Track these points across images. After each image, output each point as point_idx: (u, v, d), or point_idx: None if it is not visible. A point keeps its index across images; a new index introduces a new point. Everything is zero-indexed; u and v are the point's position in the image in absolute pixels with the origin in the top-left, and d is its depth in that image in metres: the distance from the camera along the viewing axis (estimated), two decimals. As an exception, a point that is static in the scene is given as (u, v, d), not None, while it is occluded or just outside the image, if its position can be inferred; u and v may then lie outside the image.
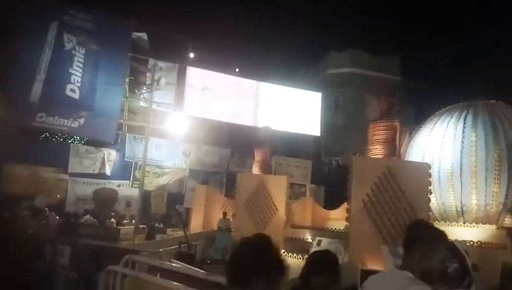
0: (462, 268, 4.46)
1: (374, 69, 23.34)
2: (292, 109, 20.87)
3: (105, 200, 15.46)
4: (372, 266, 6.90)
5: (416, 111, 21.05)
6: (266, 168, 12.92)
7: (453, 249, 4.76)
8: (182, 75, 18.74)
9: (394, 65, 24.27)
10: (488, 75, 19.45)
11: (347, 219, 8.27)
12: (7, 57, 15.69)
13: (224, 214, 12.68)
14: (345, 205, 9.43)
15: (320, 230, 11.80)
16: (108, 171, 15.94)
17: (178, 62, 18.76)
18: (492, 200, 9.96)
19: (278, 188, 11.28)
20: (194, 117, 18.16)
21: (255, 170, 12.98)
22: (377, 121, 9.65)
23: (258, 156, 13.15)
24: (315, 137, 21.95)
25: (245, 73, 21.38)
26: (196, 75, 19.33)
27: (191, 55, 20.41)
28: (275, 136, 14.61)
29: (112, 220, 13.95)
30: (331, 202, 14.55)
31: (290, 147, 20.13)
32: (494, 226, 9.47)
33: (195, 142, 17.79)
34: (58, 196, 15.12)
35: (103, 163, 15.87)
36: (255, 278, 1.62)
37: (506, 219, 9.98)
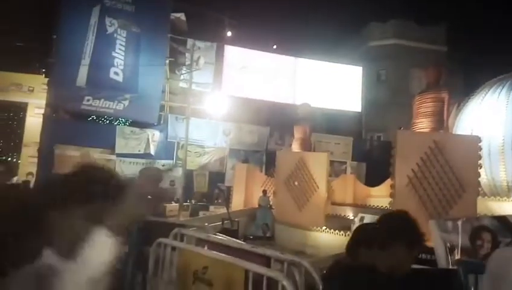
0: (517, 244, 4.27)
1: (419, 40, 22.17)
2: (332, 84, 20.43)
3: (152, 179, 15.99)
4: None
5: (465, 82, 19.98)
6: (306, 146, 12.84)
7: (506, 223, 4.56)
8: (220, 54, 18.78)
9: (440, 35, 22.95)
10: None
11: (391, 195, 8.10)
12: (53, 42, 16.39)
13: (265, 191, 12.80)
14: (387, 182, 9.23)
15: (361, 207, 11.68)
16: (152, 151, 16.45)
17: (216, 41, 18.77)
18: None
19: (318, 165, 11.20)
20: (233, 96, 18.23)
21: (295, 147, 12.93)
22: (424, 93, 9.25)
23: (297, 133, 13.07)
24: (356, 113, 21.45)
25: (283, 49, 21.06)
26: (234, 54, 19.31)
27: (229, 33, 20.35)
28: (314, 113, 14.43)
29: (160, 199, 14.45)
30: (373, 179, 14.31)
31: (330, 124, 19.82)
32: (548, 202, 8.95)
33: (234, 121, 17.91)
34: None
35: (148, 143, 16.37)
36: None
37: None
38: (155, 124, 16.98)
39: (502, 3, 23.34)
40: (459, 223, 4.36)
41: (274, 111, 18.76)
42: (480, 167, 8.15)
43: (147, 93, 16.37)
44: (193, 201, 15.89)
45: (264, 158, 17.91)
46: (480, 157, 8.05)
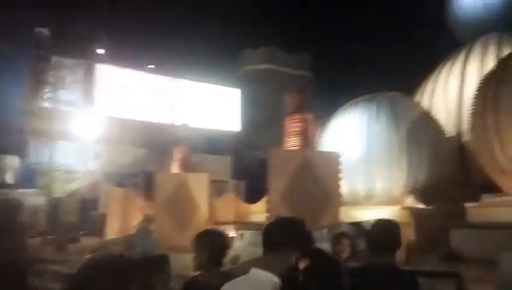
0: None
1: (287, 65, 24.27)
2: (211, 105, 20.81)
3: (6, 212, 13.95)
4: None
5: (328, 104, 22.31)
6: (186, 167, 12.72)
7: (361, 229, 5.16)
8: (91, 72, 17.61)
9: (306, 62, 25.46)
10: (391, 68, 21.30)
11: (267, 210, 8.48)
12: None
13: (144, 216, 12.20)
14: (265, 198, 9.67)
15: (242, 224, 11.97)
16: (10, 179, 14.41)
17: (86, 59, 17.58)
18: (396, 184, 10.96)
19: (199, 186, 11.15)
20: (107, 116, 17.18)
21: (175, 169, 12.70)
22: (292, 114, 10.05)
23: (177, 154, 12.89)
24: (235, 133, 22.16)
25: (161, 70, 20.77)
26: (107, 73, 18.32)
27: (102, 51, 19.25)
28: (193, 134, 14.44)
29: (17, 232, 12.65)
30: (254, 196, 14.84)
31: (210, 144, 20.06)
32: (398, 207, 10.41)
33: (108, 143, 16.85)
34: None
35: (3, 171, 14.33)
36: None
37: (408, 199, 11.05)
38: (13, 148, 14.98)
39: (359, 35, 26.99)
40: (324, 232, 4.76)
41: (152, 132, 18.23)
42: (342, 179, 9.10)
43: (3, 115, 14.40)
44: (61, 232, 14.28)
45: (143, 181, 17.17)
46: (340, 170, 9.00)
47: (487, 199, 9.32)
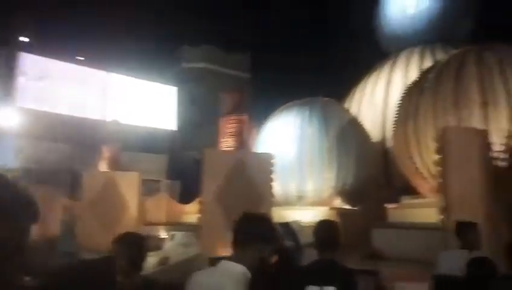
0: (296, 245, 4.99)
1: (226, 65, 24.23)
2: (146, 102, 20.16)
3: None
4: (223, 253, 7.15)
5: (265, 106, 22.71)
6: (115, 165, 12.19)
7: (289, 229, 5.29)
8: (12, 61, 16.21)
9: (245, 63, 25.62)
10: (325, 73, 22.15)
11: (200, 211, 8.39)
12: None
13: (68, 216, 11.48)
14: (199, 198, 9.56)
15: (174, 225, 11.75)
16: None
17: (7, 46, 16.15)
18: (326, 186, 11.43)
19: (129, 186, 10.74)
20: (29, 109, 15.91)
21: (103, 167, 12.12)
22: (228, 115, 10.07)
23: (106, 152, 12.32)
24: (171, 131, 21.66)
25: (92, 62, 19.66)
26: (31, 62, 16.97)
27: (26, 39, 17.80)
28: (126, 131, 13.88)
29: None
30: (188, 197, 14.62)
31: (144, 142, 19.39)
32: (327, 208, 10.86)
33: (31, 138, 15.60)
34: None
35: None
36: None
37: (336, 201, 11.58)
38: None
39: (297, 40, 27.69)
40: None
41: (80, 127, 17.21)
42: (274, 181, 9.28)
43: None
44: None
45: (69, 179, 16.13)
46: (273, 172, 9.17)
47: (406, 200, 10.06)
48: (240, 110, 9.98)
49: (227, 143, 9.61)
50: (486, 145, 6.60)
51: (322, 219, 3.07)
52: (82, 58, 20.16)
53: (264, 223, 2.12)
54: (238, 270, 1.93)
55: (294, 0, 28.77)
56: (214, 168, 8.25)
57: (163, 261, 8.09)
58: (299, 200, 11.41)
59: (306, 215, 10.14)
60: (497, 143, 7.26)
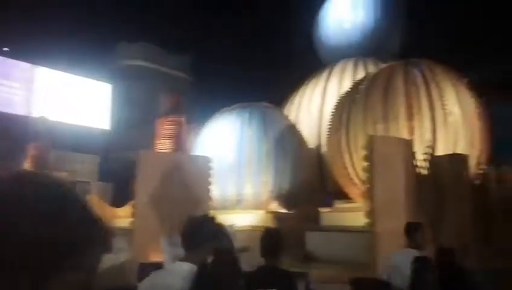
0: (229, 249, 4.99)
1: (166, 65, 23.66)
2: (77, 99, 19.04)
3: None
4: (155, 258, 6.94)
5: (205, 109, 22.51)
6: (41, 165, 11.37)
7: (221, 233, 5.27)
8: None
9: (186, 64, 25.23)
10: (266, 78, 22.51)
11: (133, 215, 8.09)
12: None
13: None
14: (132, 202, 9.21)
15: (106, 229, 11.20)
16: None
17: None
18: (263, 189, 11.58)
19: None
20: None
21: (28, 166, 11.25)
22: (165, 116, 9.83)
23: (32, 150, 11.44)
24: (104, 131, 20.67)
25: (18, 54, 18.19)
26: None
27: None
28: (55, 129, 13.01)
29: None
30: (121, 200, 14.01)
31: (75, 141, 18.29)
32: (263, 212, 11.00)
33: None
34: None
35: None
36: None
37: (273, 204, 11.76)
38: None
39: (239, 45, 27.82)
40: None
41: (2, 123, 15.83)
42: (211, 184, 9.21)
43: None
44: None
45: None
46: (211, 175, 9.11)
47: (338, 204, 10.51)
48: (178, 112, 9.79)
49: (163, 145, 9.37)
50: (410, 154, 7.11)
51: (267, 227, 3.38)
52: (7, 49, 18.59)
53: (205, 225, 2.27)
54: (184, 268, 2.05)
55: (238, 5, 28.95)
56: (148, 171, 8.01)
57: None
58: (238, 203, 11.44)
59: (243, 219, 10.20)
60: (420, 152, 7.84)
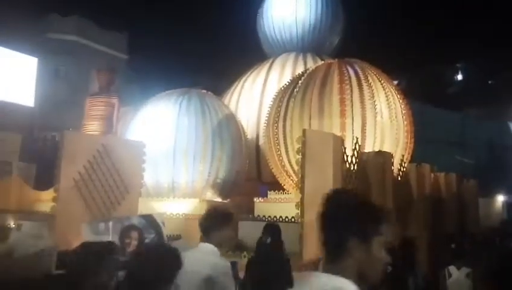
0: (158, 238, 4.87)
1: (100, 42, 22.30)
2: (-2, 72, 17.36)
3: None
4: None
5: (140, 91, 21.67)
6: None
7: (151, 221, 5.12)
8: None
9: (122, 42, 23.99)
10: (207, 65, 22.17)
11: (54, 199, 7.59)
12: None
13: None
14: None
15: (26, 213, 10.40)
16: None
17: None
18: (198, 177, 11.43)
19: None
20: None
21: None
22: (95, 96, 9.27)
23: None
24: (28, 108, 19.10)
25: None
26: None
27: None
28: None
29: None
30: (45, 183, 13.09)
31: (-6, 118, 16.72)
32: (197, 200, 10.88)
33: None
34: None
35: None
36: None
37: (208, 193, 11.67)
38: None
39: (181, 27, 27.02)
40: (110, 224, 4.52)
41: None
42: (144, 170, 8.91)
43: None
44: None
45: None
46: (144, 161, 8.81)
47: (272, 195, 10.73)
48: (109, 92, 9.27)
49: (91, 126, 8.85)
50: (340, 150, 7.42)
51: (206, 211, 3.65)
52: None
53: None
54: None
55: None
56: (74, 153, 7.54)
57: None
58: (172, 191, 11.19)
59: (177, 207, 10.01)
60: (350, 148, 8.21)
